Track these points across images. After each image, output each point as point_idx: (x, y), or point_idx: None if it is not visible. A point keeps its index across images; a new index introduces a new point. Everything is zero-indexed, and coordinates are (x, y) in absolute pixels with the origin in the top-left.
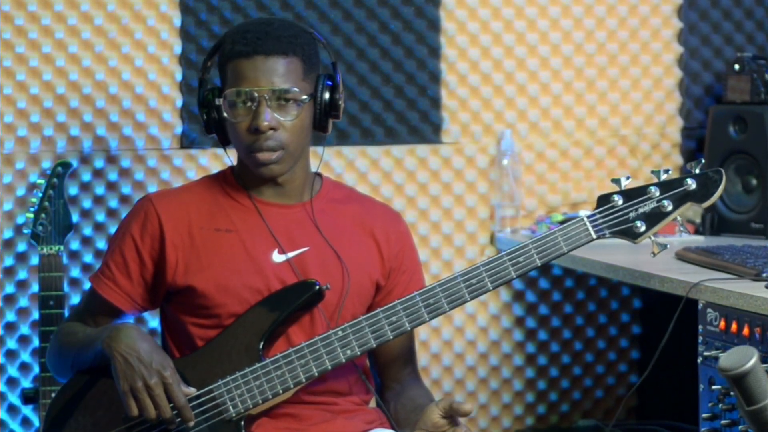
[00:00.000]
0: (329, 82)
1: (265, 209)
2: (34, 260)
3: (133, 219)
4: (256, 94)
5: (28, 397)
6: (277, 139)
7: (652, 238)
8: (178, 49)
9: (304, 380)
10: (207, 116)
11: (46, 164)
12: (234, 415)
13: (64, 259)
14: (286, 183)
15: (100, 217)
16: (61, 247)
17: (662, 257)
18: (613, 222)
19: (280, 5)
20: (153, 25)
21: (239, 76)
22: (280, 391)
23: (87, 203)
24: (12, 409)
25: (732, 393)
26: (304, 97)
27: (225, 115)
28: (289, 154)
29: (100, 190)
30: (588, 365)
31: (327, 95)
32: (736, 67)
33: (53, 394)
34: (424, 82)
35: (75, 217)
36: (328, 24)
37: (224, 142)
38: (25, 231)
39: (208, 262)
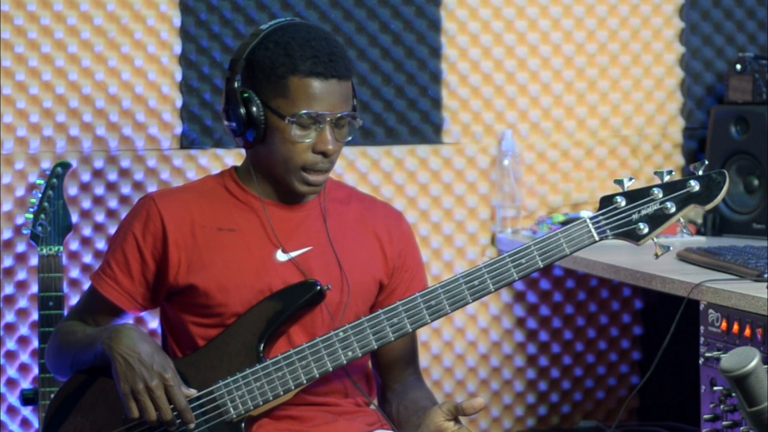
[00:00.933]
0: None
1: (269, 209)
2: (34, 261)
3: (135, 218)
4: (327, 119)
5: (27, 399)
6: (331, 161)
7: (655, 240)
8: (178, 49)
9: (304, 381)
10: (248, 118)
11: (46, 165)
12: (234, 416)
13: (64, 260)
14: None
15: (100, 217)
16: (61, 248)
17: (664, 258)
18: (616, 224)
19: (281, 5)
20: (153, 25)
21: (315, 98)
22: (281, 393)
23: (87, 204)
24: (11, 411)
25: (733, 394)
26: (359, 122)
27: (289, 131)
28: (329, 174)
29: (99, 190)
30: (589, 366)
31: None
32: (738, 67)
33: (52, 396)
34: (424, 83)
35: (74, 218)
36: (328, 24)
37: (251, 145)
38: (25, 231)
39: (211, 261)
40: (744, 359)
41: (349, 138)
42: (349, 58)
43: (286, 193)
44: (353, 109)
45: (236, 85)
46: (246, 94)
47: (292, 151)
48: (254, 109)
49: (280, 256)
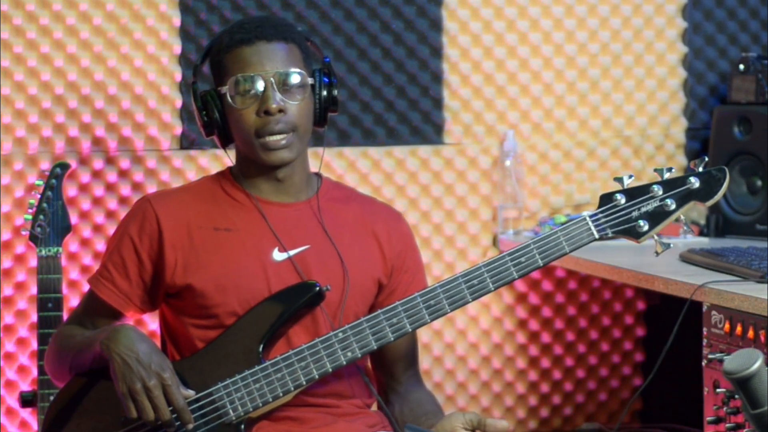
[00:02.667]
0: (326, 78)
1: (265, 207)
2: (33, 262)
3: (131, 220)
4: (262, 79)
5: (26, 401)
6: (285, 122)
7: (656, 237)
8: (177, 49)
9: (304, 383)
10: (207, 117)
11: (45, 165)
12: (234, 418)
13: (63, 261)
14: (286, 180)
15: (99, 218)
16: (60, 249)
17: (666, 259)
18: (616, 221)
19: (281, 5)
20: (152, 25)
21: (243, 62)
22: (281, 394)
23: (86, 204)
24: (10, 412)
25: (737, 396)
26: (309, 79)
27: (230, 102)
28: (297, 138)
29: (99, 191)
30: (591, 368)
31: (325, 87)
32: (741, 67)
33: (51, 398)
34: (425, 83)
35: (74, 219)
36: (329, 24)
37: (225, 143)
38: (24, 232)
39: (207, 261)
40: (747, 361)
41: (298, 100)
42: (290, 26)
43: (276, 185)
44: (315, 80)
45: (195, 90)
46: (208, 96)
47: (240, 121)
48: (211, 105)
49: (277, 255)
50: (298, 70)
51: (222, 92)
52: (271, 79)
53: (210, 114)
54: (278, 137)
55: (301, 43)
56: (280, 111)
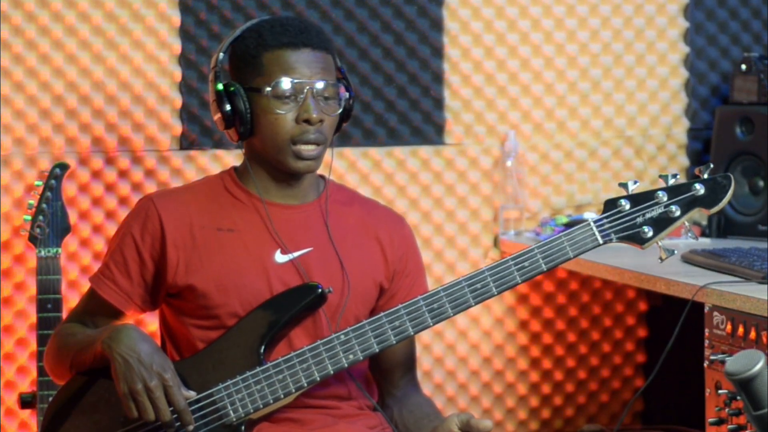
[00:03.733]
0: (350, 91)
1: (270, 209)
2: (32, 262)
3: (134, 219)
4: (305, 87)
5: (25, 402)
6: (321, 133)
7: (660, 243)
8: (177, 49)
9: (305, 385)
10: (232, 107)
11: (44, 165)
12: (234, 419)
13: (62, 262)
14: (296, 184)
15: (99, 218)
16: (59, 250)
17: (668, 260)
18: (620, 227)
19: (282, 5)
20: (152, 25)
21: (287, 66)
22: (282, 396)
23: (85, 205)
24: (9, 413)
25: (738, 397)
26: (345, 94)
27: (269, 103)
28: (324, 150)
29: (98, 191)
30: (593, 369)
31: (350, 101)
32: (743, 67)
33: (51, 399)
34: (426, 83)
35: (73, 219)
36: (329, 23)
37: (241, 138)
38: (23, 233)
39: (209, 261)
40: (749, 362)
41: (333, 113)
42: (327, 35)
43: (284, 187)
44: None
45: (218, 79)
46: (232, 88)
47: (276, 125)
48: (237, 97)
49: (279, 257)
50: (336, 82)
51: (262, 92)
52: (314, 88)
53: (236, 107)
54: (312, 147)
55: (335, 53)
56: (320, 121)
